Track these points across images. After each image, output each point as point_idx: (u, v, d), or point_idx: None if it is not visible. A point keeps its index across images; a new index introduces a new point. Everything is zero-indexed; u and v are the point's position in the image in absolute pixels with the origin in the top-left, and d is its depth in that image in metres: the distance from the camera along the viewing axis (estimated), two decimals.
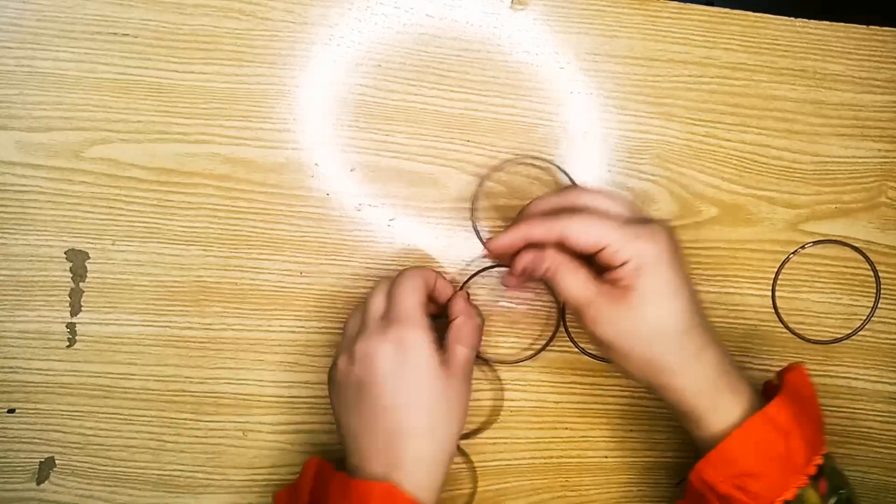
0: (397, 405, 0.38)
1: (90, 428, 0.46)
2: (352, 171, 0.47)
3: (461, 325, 0.41)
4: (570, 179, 0.47)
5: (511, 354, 0.48)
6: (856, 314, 0.50)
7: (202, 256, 0.46)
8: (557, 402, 0.48)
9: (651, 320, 0.37)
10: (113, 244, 0.46)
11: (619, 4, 0.47)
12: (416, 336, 0.38)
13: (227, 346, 0.46)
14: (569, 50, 0.47)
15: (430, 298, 0.43)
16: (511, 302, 0.48)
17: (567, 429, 0.49)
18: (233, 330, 0.46)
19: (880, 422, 0.50)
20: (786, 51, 0.48)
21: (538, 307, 0.48)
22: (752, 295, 0.49)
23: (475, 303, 0.47)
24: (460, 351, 0.40)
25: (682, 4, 0.48)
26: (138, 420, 0.46)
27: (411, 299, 0.39)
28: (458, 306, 0.43)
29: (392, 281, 0.41)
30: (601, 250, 0.38)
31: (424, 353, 0.38)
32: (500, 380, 0.48)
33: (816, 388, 0.42)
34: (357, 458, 0.38)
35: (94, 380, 0.46)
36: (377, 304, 0.41)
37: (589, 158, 0.48)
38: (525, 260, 0.41)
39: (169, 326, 0.46)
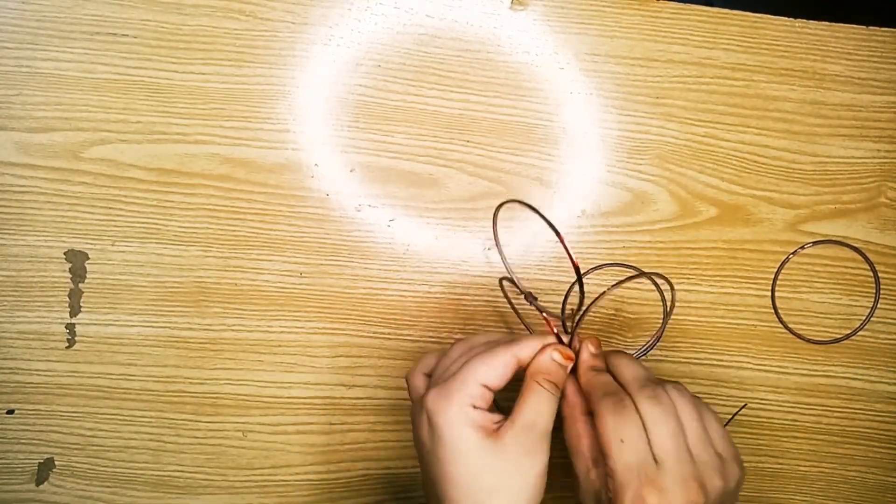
0: (443, 483, 0.35)
1: (89, 429, 0.46)
2: (352, 171, 0.47)
3: (532, 371, 0.37)
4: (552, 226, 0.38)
5: None
6: (855, 314, 0.50)
7: (202, 257, 0.46)
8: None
9: None
10: (112, 245, 0.46)
11: (619, 5, 0.47)
12: (445, 409, 0.35)
13: (227, 346, 0.46)
14: (568, 50, 0.47)
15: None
16: None
17: None
18: (232, 330, 0.46)
19: (879, 422, 0.50)
20: (785, 51, 0.48)
21: None
22: (751, 295, 0.49)
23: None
24: (525, 404, 0.36)
25: (681, 5, 0.48)
26: (138, 421, 0.46)
27: (470, 371, 0.36)
28: (536, 364, 0.38)
29: (467, 339, 0.39)
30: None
31: (456, 427, 0.35)
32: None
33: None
34: None
35: (94, 381, 0.46)
36: (445, 361, 0.38)
37: (589, 158, 0.48)
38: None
39: (168, 327, 0.46)
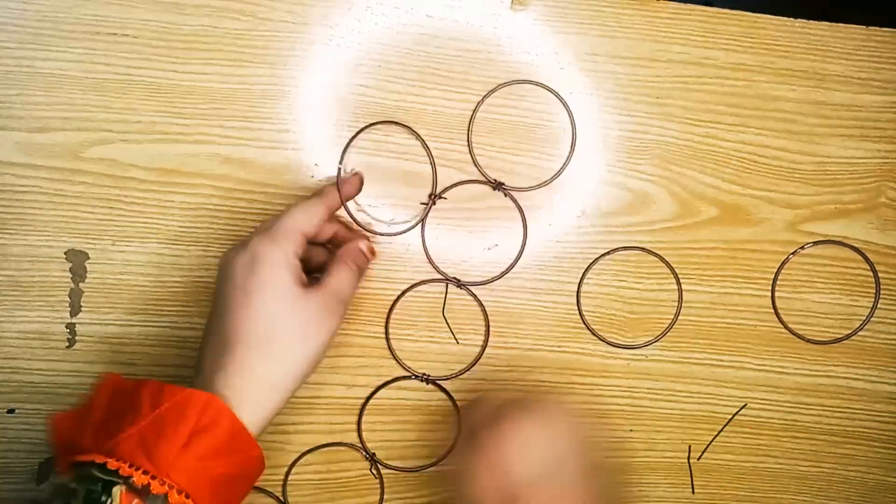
0: (238, 312, 0.38)
1: None
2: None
3: (343, 252, 0.43)
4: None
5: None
6: (855, 314, 0.50)
7: (202, 256, 0.46)
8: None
9: None
10: (113, 244, 0.46)
11: (619, 4, 0.47)
12: (272, 249, 0.39)
13: None
14: (569, 50, 0.47)
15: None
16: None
17: None
18: None
19: (879, 422, 0.50)
20: (785, 51, 0.48)
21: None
22: (751, 295, 0.49)
23: None
24: (334, 275, 0.41)
25: (681, 5, 0.48)
26: None
27: (291, 219, 0.40)
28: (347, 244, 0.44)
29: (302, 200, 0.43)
30: None
31: (277, 267, 0.38)
32: (499, 380, 0.48)
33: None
34: (195, 371, 0.39)
35: (94, 380, 0.46)
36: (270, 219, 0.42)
37: (589, 158, 0.48)
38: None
39: (169, 327, 0.46)
